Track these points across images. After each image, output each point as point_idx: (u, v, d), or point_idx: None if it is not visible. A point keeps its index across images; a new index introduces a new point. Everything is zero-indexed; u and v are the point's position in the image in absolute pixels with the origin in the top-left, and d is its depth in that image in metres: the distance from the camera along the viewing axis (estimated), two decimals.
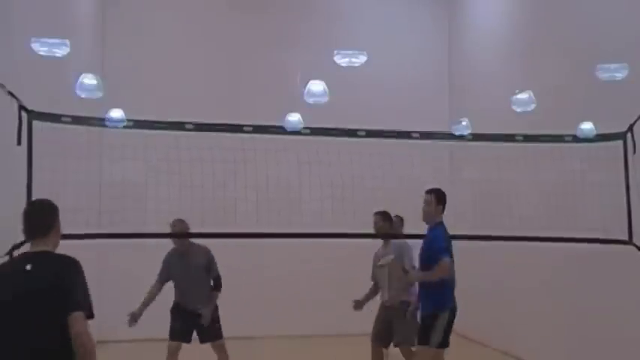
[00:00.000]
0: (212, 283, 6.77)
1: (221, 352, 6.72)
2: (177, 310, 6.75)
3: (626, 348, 6.36)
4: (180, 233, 6.31)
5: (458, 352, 7.98)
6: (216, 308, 6.77)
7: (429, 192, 5.87)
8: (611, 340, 6.59)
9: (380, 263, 7.04)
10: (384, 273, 6.98)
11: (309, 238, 6.21)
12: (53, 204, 3.64)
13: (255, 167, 6.76)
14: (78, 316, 3.14)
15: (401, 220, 7.72)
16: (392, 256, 6.85)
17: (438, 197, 5.83)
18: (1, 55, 5.61)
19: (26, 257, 3.34)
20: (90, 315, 3.22)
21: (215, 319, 6.71)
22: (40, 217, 3.43)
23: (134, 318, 6.49)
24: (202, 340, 6.70)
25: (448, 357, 7.72)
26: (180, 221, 6.45)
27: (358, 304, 7.10)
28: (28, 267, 3.23)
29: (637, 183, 5.84)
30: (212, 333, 6.67)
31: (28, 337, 3.10)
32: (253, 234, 6.43)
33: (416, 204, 6.15)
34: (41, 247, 3.35)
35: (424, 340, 5.74)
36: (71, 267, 3.32)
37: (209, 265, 6.72)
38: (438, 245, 5.63)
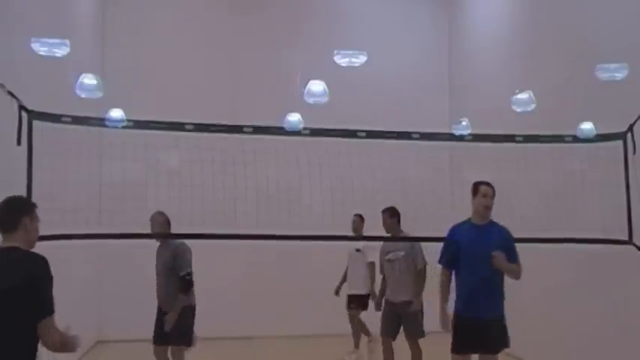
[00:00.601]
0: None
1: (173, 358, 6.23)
2: (157, 311, 6.42)
3: (626, 348, 6.36)
4: (180, 234, 6.28)
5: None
6: (185, 312, 6.20)
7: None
8: (611, 339, 6.59)
9: (388, 257, 7.05)
10: (395, 268, 7.00)
11: (309, 240, 6.21)
12: (24, 201, 3.70)
13: (255, 168, 6.76)
14: (50, 320, 3.17)
15: (361, 218, 8.09)
16: (402, 253, 6.89)
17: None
18: (1, 55, 5.61)
19: None
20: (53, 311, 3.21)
21: (181, 325, 6.14)
22: (6, 213, 3.39)
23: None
24: (164, 343, 6.25)
25: (449, 357, 7.73)
26: (160, 213, 6.23)
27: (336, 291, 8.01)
28: None
29: (637, 183, 5.84)
30: (171, 337, 6.17)
31: None
32: (253, 235, 6.42)
33: (416, 204, 6.15)
34: (9, 243, 3.34)
35: (505, 342, 5.36)
36: (38, 264, 3.30)
37: (173, 262, 6.16)
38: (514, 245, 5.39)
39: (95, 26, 9.99)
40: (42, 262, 3.29)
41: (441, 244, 7.39)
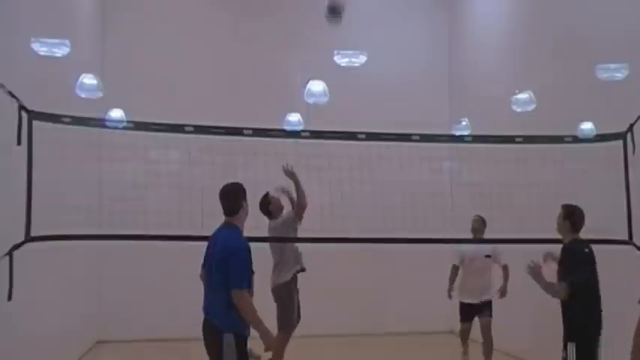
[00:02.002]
0: None
1: None
2: None
3: (626, 348, 6.34)
4: (182, 236, 6.25)
5: (458, 351, 7.99)
6: None
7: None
8: (611, 339, 6.57)
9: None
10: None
11: (308, 242, 6.22)
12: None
13: (255, 169, 6.76)
14: None
15: (483, 221, 7.70)
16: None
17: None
18: (1, 55, 5.60)
19: None
20: None
21: None
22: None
23: None
24: None
25: (449, 357, 7.74)
26: None
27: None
28: None
29: (637, 183, 5.84)
30: None
31: None
32: (253, 238, 6.41)
33: (416, 205, 6.15)
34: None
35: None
36: None
37: None
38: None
39: (95, 26, 9.99)
40: None
41: (441, 245, 7.43)
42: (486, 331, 7.60)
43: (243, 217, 4.49)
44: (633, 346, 3.25)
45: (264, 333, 4.24)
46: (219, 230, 4.50)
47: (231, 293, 4.16)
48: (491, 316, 7.64)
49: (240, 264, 4.23)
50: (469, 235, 7.63)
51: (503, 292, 7.51)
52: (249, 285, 4.32)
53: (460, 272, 7.79)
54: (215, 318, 4.30)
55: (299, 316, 6.99)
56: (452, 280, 7.79)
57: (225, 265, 4.19)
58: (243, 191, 4.51)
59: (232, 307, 4.18)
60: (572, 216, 5.23)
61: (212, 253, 4.42)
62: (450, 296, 7.82)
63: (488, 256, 7.52)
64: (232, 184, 4.52)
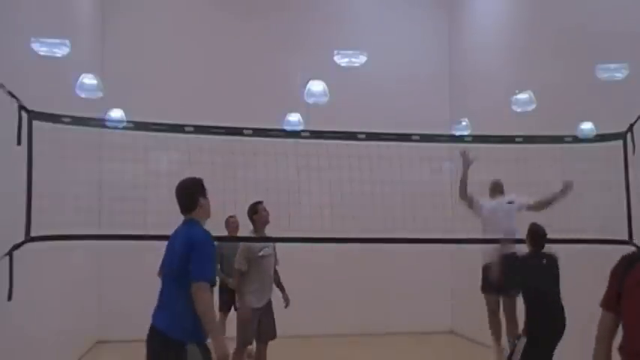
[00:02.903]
0: None
1: None
2: None
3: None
4: None
5: (458, 351, 7.99)
6: None
7: None
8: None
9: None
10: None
11: (308, 243, 6.21)
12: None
13: (255, 169, 6.76)
14: None
15: None
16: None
17: None
18: (1, 55, 5.61)
19: None
20: None
21: None
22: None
23: None
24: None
25: (449, 357, 7.74)
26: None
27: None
28: None
29: (637, 183, 5.84)
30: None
31: None
32: (253, 238, 6.42)
33: (416, 205, 6.15)
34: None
35: None
36: None
37: None
38: None
39: (95, 26, 9.99)
40: None
41: (441, 245, 7.41)
42: (511, 310, 6.79)
43: (203, 216, 4.08)
44: (594, 352, 3.18)
45: (217, 340, 3.76)
46: (177, 229, 4.11)
47: (191, 289, 3.70)
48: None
49: (203, 257, 3.80)
50: (469, 235, 7.59)
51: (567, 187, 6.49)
52: (211, 283, 3.92)
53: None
54: (173, 328, 3.78)
55: (274, 333, 6.61)
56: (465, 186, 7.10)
57: (187, 259, 3.75)
58: (201, 186, 4.12)
59: (194, 313, 3.71)
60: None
61: (170, 254, 4.00)
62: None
63: (511, 202, 6.94)
64: (188, 179, 4.16)
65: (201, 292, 3.71)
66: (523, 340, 5.62)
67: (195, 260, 3.75)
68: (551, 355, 5.62)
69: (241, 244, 6.49)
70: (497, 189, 7.19)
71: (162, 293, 3.98)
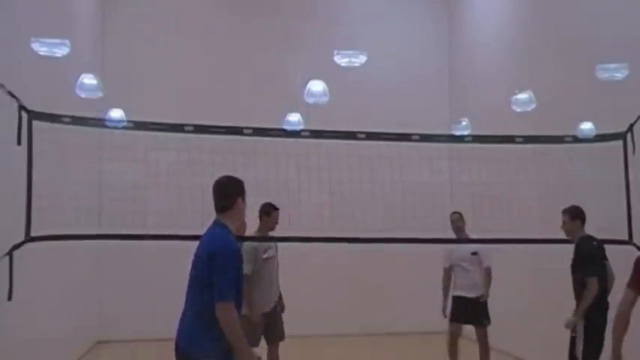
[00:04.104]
0: None
1: None
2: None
3: (626, 348, 6.34)
4: (182, 236, 6.26)
5: (458, 351, 7.98)
6: None
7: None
8: (611, 339, 6.58)
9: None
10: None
11: (308, 242, 6.21)
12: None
13: (255, 169, 6.75)
14: None
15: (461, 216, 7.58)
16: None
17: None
18: (1, 55, 5.61)
19: None
20: None
21: None
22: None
23: None
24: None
25: (449, 357, 7.73)
26: None
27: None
28: None
29: (637, 183, 5.84)
30: None
31: None
32: (253, 237, 6.41)
33: (416, 205, 6.14)
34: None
35: None
36: None
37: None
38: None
39: (95, 26, 10.00)
40: None
41: (441, 244, 7.40)
42: (483, 339, 7.35)
43: (236, 218, 3.79)
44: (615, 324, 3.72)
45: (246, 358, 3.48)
46: (207, 230, 3.81)
47: (215, 307, 3.42)
48: (489, 323, 7.30)
49: (226, 270, 3.47)
50: (466, 235, 7.60)
51: (482, 297, 7.24)
52: (237, 301, 3.55)
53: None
54: (196, 349, 3.48)
55: (282, 334, 6.64)
56: (446, 285, 7.52)
57: (209, 268, 3.48)
58: (241, 187, 3.83)
59: (214, 327, 3.42)
60: (582, 214, 5.65)
61: (196, 257, 3.69)
62: (445, 314, 7.53)
63: (474, 254, 7.30)
64: (228, 176, 3.87)
65: (227, 313, 3.41)
66: (581, 327, 5.53)
67: (218, 273, 3.45)
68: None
69: (244, 246, 6.47)
70: (458, 223, 7.43)
71: (185, 302, 3.69)
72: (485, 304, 7.30)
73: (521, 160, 6.50)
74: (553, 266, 7.59)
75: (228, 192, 3.78)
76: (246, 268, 6.23)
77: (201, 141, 5.94)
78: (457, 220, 7.33)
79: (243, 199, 3.83)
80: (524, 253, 7.42)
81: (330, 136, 5.84)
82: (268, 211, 6.41)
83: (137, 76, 9.99)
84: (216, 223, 3.78)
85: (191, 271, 3.68)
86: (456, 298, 7.44)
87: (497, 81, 9.34)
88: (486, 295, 7.25)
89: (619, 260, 6.13)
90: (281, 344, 6.62)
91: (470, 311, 7.28)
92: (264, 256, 6.30)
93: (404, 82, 10.94)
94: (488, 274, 7.30)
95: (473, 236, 7.28)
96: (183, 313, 3.68)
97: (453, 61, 11.40)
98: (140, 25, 10.41)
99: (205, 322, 3.46)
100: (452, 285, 7.49)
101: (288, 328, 6.77)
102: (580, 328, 5.49)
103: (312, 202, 6.80)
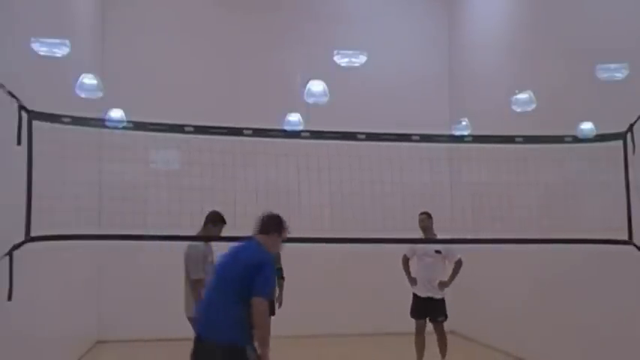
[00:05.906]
0: None
1: None
2: None
3: (626, 348, 6.36)
4: (182, 236, 6.26)
5: (458, 351, 7.99)
6: None
7: None
8: (612, 339, 6.59)
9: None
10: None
11: (308, 243, 6.20)
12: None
13: (255, 170, 6.75)
14: None
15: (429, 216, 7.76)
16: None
17: None
18: (1, 55, 5.60)
19: None
20: None
21: None
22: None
23: None
24: None
25: (449, 357, 7.74)
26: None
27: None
28: None
29: (637, 183, 5.84)
30: None
31: None
32: (252, 237, 6.40)
33: (415, 205, 6.14)
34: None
35: None
36: None
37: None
38: None
39: (95, 26, 9.99)
40: None
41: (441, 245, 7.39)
42: (441, 333, 7.75)
43: (270, 245, 4.52)
44: None
45: (265, 350, 4.25)
46: (245, 244, 4.52)
47: (251, 302, 4.16)
48: (445, 319, 7.75)
49: (268, 277, 4.34)
50: (468, 235, 7.60)
51: (443, 285, 7.58)
52: (269, 298, 4.42)
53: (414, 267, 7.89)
54: (229, 334, 4.20)
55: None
56: (406, 270, 7.90)
57: (252, 275, 4.21)
58: (282, 226, 4.62)
59: (246, 321, 4.18)
60: None
61: (233, 262, 4.41)
62: (412, 283, 7.89)
63: (438, 252, 7.54)
64: (279, 216, 4.67)
65: (262, 305, 4.18)
66: None
67: (261, 278, 4.23)
68: None
69: (192, 253, 6.44)
70: (423, 223, 7.63)
71: (211, 299, 4.40)
72: (442, 302, 7.68)
73: (521, 160, 6.50)
74: (553, 266, 7.61)
75: (274, 224, 4.60)
76: (196, 273, 6.25)
77: (201, 141, 5.94)
78: (423, 221, 7.55)
79: (279, 235, 4.61)
80: (524, 253, 7.43)
81: (330, 137, 5.83)
82: (214, 221, 6.44)
83: (137, 76, 9.99)
84: (256, 240, 4.50)
85: (224, 272, 4.40)
86: (415, 296, 7.84)
87: (497, 81, 9.35)
88: (448, 284, 7.60)
89: (619, 260, 6.14)
90: (281, 344, 6.61)
91: (428, 309, 7.72)
92: (211, 261, 6.35)
93: (404, 83, 10.94)
94: (458, 266, 7.57)
95: (440, 236, 7.58)
96: (211, 309, 4.33)
97: (452, 61, 11.41)
98: (140, 25, 10.41)
99: (240, 315, 4.17)
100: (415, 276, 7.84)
101: (288, 328, 6.77)
102: None
103: (312, 202, 6.79)
